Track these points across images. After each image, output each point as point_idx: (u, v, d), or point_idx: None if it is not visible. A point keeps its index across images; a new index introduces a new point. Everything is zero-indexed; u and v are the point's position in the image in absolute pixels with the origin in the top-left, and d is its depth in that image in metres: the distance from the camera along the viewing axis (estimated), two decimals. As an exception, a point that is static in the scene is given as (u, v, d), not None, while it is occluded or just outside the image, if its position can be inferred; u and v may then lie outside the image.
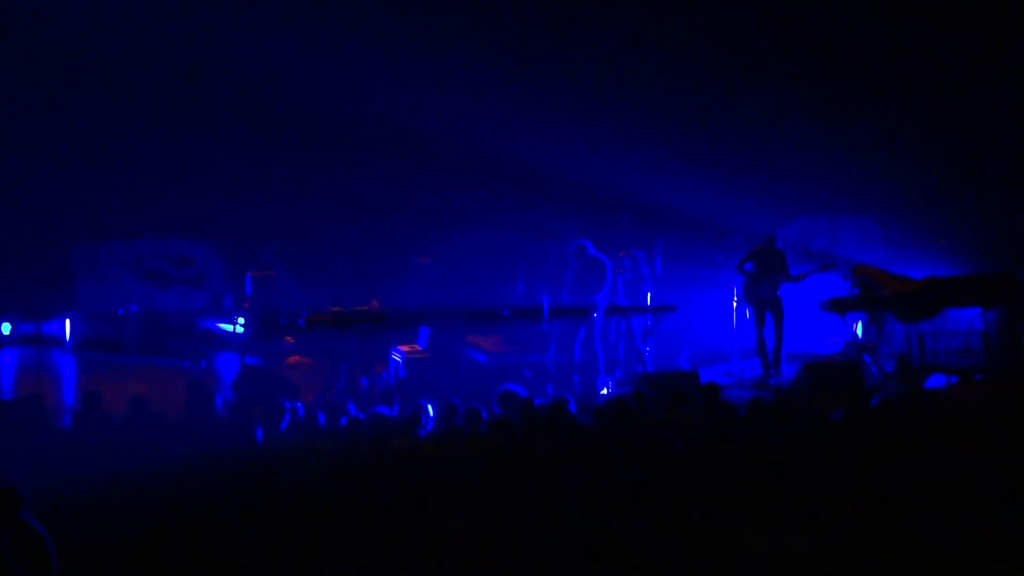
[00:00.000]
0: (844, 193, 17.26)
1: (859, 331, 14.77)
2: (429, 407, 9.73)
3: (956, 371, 13.01)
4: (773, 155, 17.20)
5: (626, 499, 7.32)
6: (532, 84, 17.20)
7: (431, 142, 17.00)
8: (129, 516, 7.49)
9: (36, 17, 16.00)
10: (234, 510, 7.60)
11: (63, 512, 7.17)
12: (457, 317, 14.81)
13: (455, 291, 16.50)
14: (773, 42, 16.67)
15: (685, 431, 8.62)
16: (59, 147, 17.62)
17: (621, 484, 7.47)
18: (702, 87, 17.19)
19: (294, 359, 15.61)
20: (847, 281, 14.09)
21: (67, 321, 16.67)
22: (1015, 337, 13.41)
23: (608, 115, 17.15)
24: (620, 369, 14.28)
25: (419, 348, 14.35)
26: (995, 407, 10.04)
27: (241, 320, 15.86)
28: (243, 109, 17.39)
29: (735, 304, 14.71)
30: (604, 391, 13.36)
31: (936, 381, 12.90)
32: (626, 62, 17.22)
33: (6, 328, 16.24)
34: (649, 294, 14.87)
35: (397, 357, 14.10)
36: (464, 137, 16.61)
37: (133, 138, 17.71)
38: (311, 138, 17.62)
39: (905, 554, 6.49)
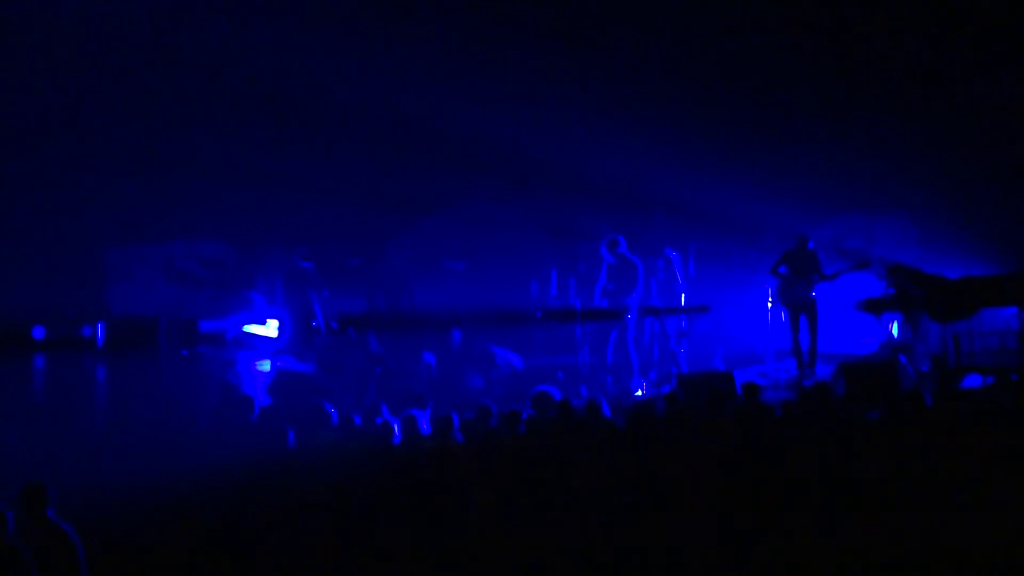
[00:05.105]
0: (879, 192, 17.11)
1: (895, 331, 14.65)
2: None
3: (992, 371, 12.89)
4: (807, 154, 17.06)
5: (662, 501, 7.28)
6: (564, 84, 17.14)
7: (464, 145, 16.95)
8: (161, 521, 7.51)
9: (61, 22, 16.04)
10: (268, 513, 7.60)
11: (94, 515, 7.20)
12: (489, 320, 14.80)
13: (487, 294, 16.45)
14: (806, 39, 16.56)
15: (721, 433, 8.57)
16: (90, 150, 17.68)
17: (656, 486, 7.44)
18: (735, 85, 17.08)
19: None
20: (882, 281, 14.00)
21: (99, 325, 16.66)
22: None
23: (640, 115, 17.05)
24: (654, 370, 14.23)
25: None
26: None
27: (274, 323, 15.84)
28: (274, 111, 17.40)
29: (769, 305, 14.60)
30: (639, 393, 13.31)
31: (972, 381, 12.80)
32: (658, 60, 17.13)
33: (39, 332, 16.26)
34: (683, 295, 14.81)
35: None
36: (497, 139, 16.56)
37: (163, 140, 17.74)
38: (342, 140, 17.61)
39: (941, 552, 6.47)
